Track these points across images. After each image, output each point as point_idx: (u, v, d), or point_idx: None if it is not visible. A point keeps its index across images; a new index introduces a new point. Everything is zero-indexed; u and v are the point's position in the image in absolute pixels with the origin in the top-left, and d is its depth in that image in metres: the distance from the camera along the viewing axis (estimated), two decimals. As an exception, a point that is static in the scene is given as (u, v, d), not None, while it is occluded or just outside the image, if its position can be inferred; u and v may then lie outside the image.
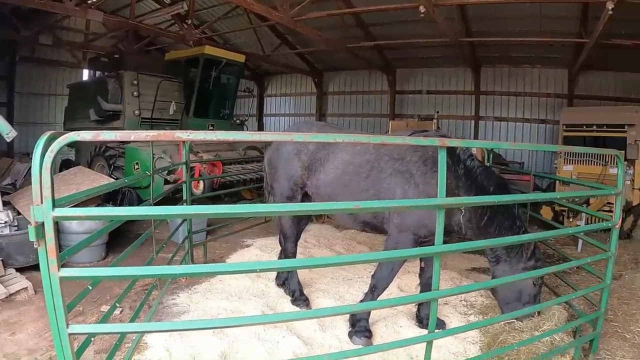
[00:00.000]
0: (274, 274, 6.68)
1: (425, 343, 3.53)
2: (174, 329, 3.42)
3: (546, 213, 10.67)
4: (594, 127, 11.30)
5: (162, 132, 2.55)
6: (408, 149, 4.91)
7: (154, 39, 17.87)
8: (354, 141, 3.11)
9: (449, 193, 4.54)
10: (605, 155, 10.33)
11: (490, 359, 4.48)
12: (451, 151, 4.77)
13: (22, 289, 5.98)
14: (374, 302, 4.63)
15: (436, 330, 3.67)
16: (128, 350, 4.46)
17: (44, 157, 2.27)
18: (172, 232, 7.14)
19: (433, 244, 3.46)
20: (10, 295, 5.88)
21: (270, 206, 2.77)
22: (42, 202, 2.33)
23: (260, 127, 23.67)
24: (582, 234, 7.37)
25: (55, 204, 2.38)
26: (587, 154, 10.91)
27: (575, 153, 11.16)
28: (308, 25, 13.27)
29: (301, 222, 6.24)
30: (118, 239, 7.93)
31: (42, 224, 2.35)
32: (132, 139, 2.55)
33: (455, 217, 4.74)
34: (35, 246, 2.40)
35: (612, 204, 10.47)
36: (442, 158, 3.05)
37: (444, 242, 3.46)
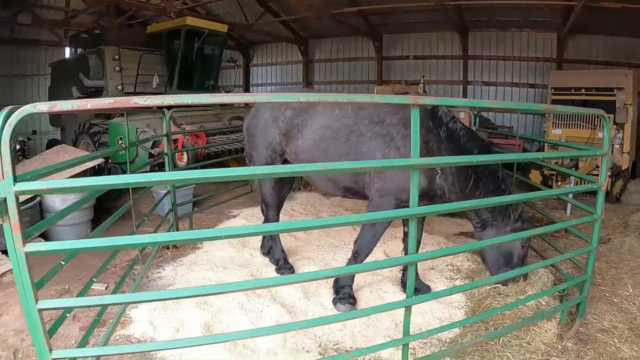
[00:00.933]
0: (259, 243, 6.65)
1: (410, 314, 3.49)
2: (150, 299, 3.36)
3: (535, 177, 10.64)
4: (583, 91, 11.24)
5: (120, 98, 2.46)
6: (388, 112, 4.82)
7: (135, 13, 17.54)
8: (320, 100, 3.03)
9: (431, 155, 4.50)
10: (594, 118, 10.28)
11: (475, 324, 4.48)
12: (433, 114, 4.71)
13: (8, 270, 5.92)
14: (352, 266, 4.60)
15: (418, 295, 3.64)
16: (111, 324, 4.42)
17: (2, 132, 2.19)
18: (155, 204, 7.06)
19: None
20: (-3, 277, 5.83)
21: (243, 169, 2.69)
22: (3, 178, 2.26)
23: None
24: (570, 197, 7.38)
25: (17, 179, 2.31)
26: (575, 116, 10.85)
27: (564, 117, 11.10)
28: (291, -9, 13.08)
29: (283, 189, 6.18)
30: (105, 219, 7.83)
31: (5, 199, 2.29)
32: (88, 107, 2.46)
33: (438, 180, 4.67)
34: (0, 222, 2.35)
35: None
36: (415, 116, 2.96)
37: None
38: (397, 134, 4.66)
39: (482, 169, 4.65)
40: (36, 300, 2.46)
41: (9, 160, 2.24)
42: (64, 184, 2.52)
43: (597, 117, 10.26)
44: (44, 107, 2.33)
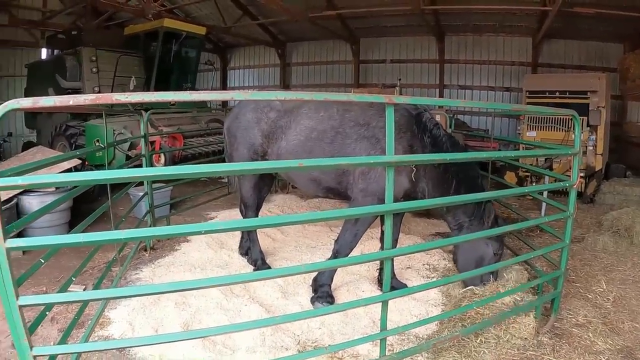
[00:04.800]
0: (237, 245, 6.70)
1: (386, 309, 3.55)
2: (130, 294, 3.37)
3: (510, 178, 10.81)
4: (557, 94, 11.45)
5: (100, 95, 2.48)
6: (374, 115, 4.89)
7: (113, 14, 17.47)
8: (297, 98, 3.08)
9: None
10: (568, 121, 10.47)
11: (452, 321, 4.55)
12: (418, 119, 4.83)
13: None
14: (329, 262, 4.63)
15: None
16: (89, 325, 4.40)
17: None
18: (132, 205, 7.04)
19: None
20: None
21: (223, 165, 2.71)
22: (-20, 174, 2.26)
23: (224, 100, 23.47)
24: (545, 195, 7.52)
25: (-4, 175, 2.31)
26: (549, 119, 11.05)
27: (538, 119, 11.30)
28: (269, -6, 13.10)
29: (262, 190, 6.25)
30: (81, 222, 7.79)
31: (-17, 196, 2.29)
32: (70, 103, 2.47)
33: (420, 182, 4.77)
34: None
35: (577, 169, 10.72)
36: (390, 115, 3.03)
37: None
38: (383, 137, 4.71)
39: (462, 174, 4.78)
40: (17, 297, 2.45)
41: (-15, 157, 2.24)
42: (44, 179, 2.53)
43: (571, 119, 10.47)
44: (26, 102, 2.35)
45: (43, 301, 3.00)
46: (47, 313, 3.49)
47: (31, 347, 2.55)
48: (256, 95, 2.90)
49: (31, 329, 2.74)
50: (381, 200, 4.62)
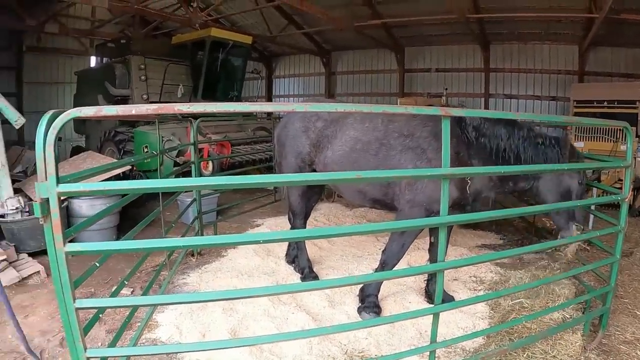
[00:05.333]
0: (284, 252, 6.74)
1: (432, 316, 3.52)
2: (182, 301, 3.43)
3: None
4: (605, 103, 11.27)
5: (162, 105, 2.54)
6: (417, 125, 4.87)
7: (160, 24, 17.83)
8: (355, 110, 3.08)
9: (463, 164, 4.60)
10: (616, 131, 10.26)
11: (499, 335, 4.51)
12: (459, 121, 4.76)
13: (35, 272, 6.06)
14: (378, 274, 4.63)
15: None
16: (138, 328, 4.52)
17: (47, 135, 2.28)
18: (181, 212, 7.17)
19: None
20: (23, 279, 5.97)
21: (274, 176, 2.77)
22: (46, 179, 2.34)
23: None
24: (593, 208, 7.36)
25: (60, 180, 2.38)
26: (597, 129, 10.85)
27: (586, 129, 11.10)
28: (314, 4, 13.21)
29: (311, 199, 6.29)
30: (129, 225, 7.97)
31: (47, 200, 2.36)
32: (133, 112, 2.54)
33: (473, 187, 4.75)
34: (40, 222, 2.40)
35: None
36: (446, 128, 3.03)
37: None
38: (429, 147, 4.68)
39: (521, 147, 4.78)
40: (74, 299, 2.53)
41: (53, 162, 2.31)
42: (105, 186, 2.60)
43: (620, 129, 10.23)
44: (89, 111, 2.42)
45: (98, 305, 3.09)
46: (100, 316, 3.59)
47: (85, 349, 2.62)
48: (316, 107, 2.93)
49: (86, 330, 2.82)
50: (428, 211, 4.61)
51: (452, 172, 3.25)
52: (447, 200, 3.21)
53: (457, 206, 4.72)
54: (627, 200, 4.40)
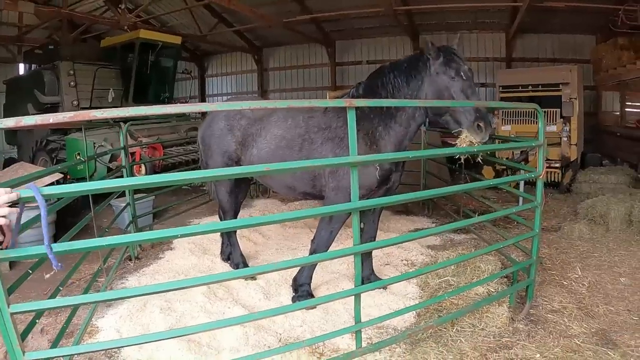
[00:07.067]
0: (219, 251, 6.84)
1: (354, 297, 3.69)
2: (118, 297, 3.50)
3: (488, 173, 11.04)
4: (530, 88, 11.71)
5: (79, 112, 2.59)
6: (333, 117, 5.01)
7: (89, 27, 17.38)
8: (261, 107, 3.22)
9: (375, 142, 4.76)
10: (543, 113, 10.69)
11: (428, 312, 4.71)
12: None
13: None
14: (304, 258, 4.77)
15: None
16: (78, 332, 4.50)
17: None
18: (115, 215, 7.14)
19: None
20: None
21: (199, 172, 2.84)
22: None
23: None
24: (521, 187, 7.74)
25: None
26: (521, 112, 11.30)
27: (512, 113, 11.55)
28: (243, 2, 13.27)
29: (238, 195, 6.39)
30: (64, 234, 7.86)
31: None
32: (50, 121, 2.58)
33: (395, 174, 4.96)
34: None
35: (552, 160, 10.92)
36: (352, 118, 3.19)
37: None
38: (344, 134, 4.82)
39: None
40: (8, 305, 2.56)
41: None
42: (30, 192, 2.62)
43: (546, 112, 10.68)
44: (10, 122, 2.45)
45: (33, 308, 3.09)
46: (37, 321, 3.59)
47: (24, 352, 2.66)
48: (226, 106, 3.03)
49: (23, 335, 2.85)
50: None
51: (359, 159, 3.40)
52: (357, 186, 3.36)
53: (384, 182, 4.91)
54: (541, 177, 4.65)
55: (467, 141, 4.49)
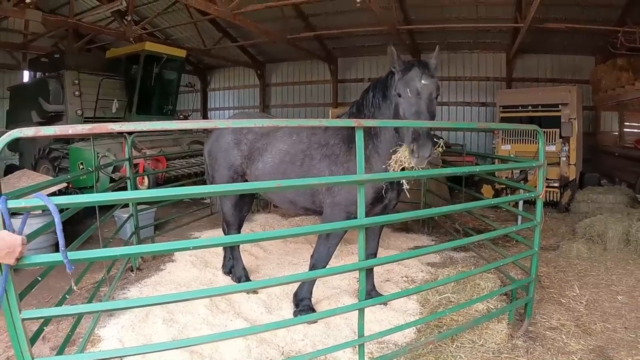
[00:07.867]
0: (221, 264, 6.88)
1: (357, 312, 3.75)
2: (125, 307, 3.55)
3: (487, 192, 11.08)
4: (529, 108, 11.82)
5: (97, 125, 2.66)
6: (331, 135, 5.13)
7: (95, 37, 17.53)
8: (271, 125, 3.29)
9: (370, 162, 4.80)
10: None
11: (429, 328, 4.76)
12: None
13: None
14: (306, 273, 4.81)
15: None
16: (81, 342, 4.53)
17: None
18: (118, 227, 7.19)
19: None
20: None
21: (206, 187, 2.93)
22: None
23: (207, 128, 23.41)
24: (520, 206, 7.80)
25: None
26: (521, 132, 11.42)
27: (512, 132, 11.67)
28: (248, 17, 13.36)
29: (243, 209, 6.43)
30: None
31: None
32: (69, 132, 2.66)
33: (391, 192, 4.98)
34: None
35: (551, 179, 11.00)
36: (360, 137, 3.26)
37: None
38: (340, 151, 4.96)
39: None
40: (20, 310, 2.62)
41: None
42: (40, 202, 2.69)
43: (544, 132, 10.78)
44: (29, 132, 2.54)
45: (44, 315, 3.15)
46: (44, 328, 3.65)
47: (33, 358, 2.71)
48: (236, 124, 3.11)
49: (33, 340, 2.90)
50: (348, 212, 4.80)
51: (366, 177, 3.46)
52: (364, 204, 3.42)
53: (380, 201, 4.95)
54: (541, 196, 4.72)
55: (399, 163, 4.40)
